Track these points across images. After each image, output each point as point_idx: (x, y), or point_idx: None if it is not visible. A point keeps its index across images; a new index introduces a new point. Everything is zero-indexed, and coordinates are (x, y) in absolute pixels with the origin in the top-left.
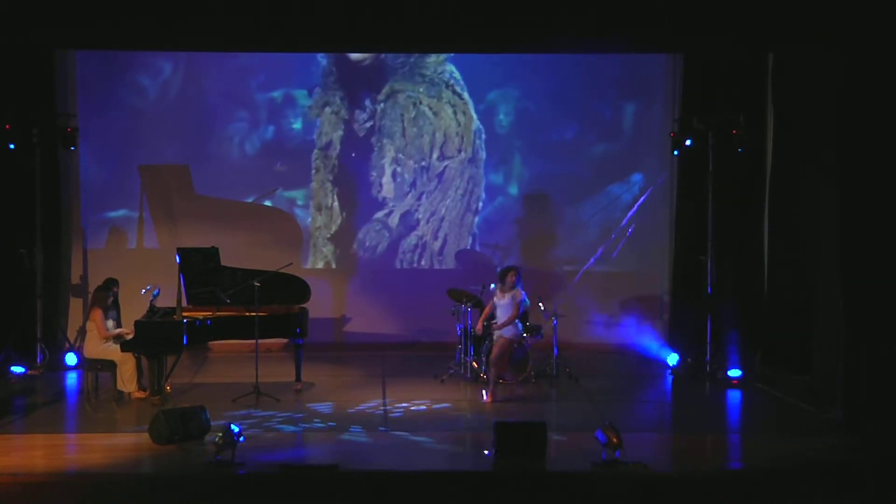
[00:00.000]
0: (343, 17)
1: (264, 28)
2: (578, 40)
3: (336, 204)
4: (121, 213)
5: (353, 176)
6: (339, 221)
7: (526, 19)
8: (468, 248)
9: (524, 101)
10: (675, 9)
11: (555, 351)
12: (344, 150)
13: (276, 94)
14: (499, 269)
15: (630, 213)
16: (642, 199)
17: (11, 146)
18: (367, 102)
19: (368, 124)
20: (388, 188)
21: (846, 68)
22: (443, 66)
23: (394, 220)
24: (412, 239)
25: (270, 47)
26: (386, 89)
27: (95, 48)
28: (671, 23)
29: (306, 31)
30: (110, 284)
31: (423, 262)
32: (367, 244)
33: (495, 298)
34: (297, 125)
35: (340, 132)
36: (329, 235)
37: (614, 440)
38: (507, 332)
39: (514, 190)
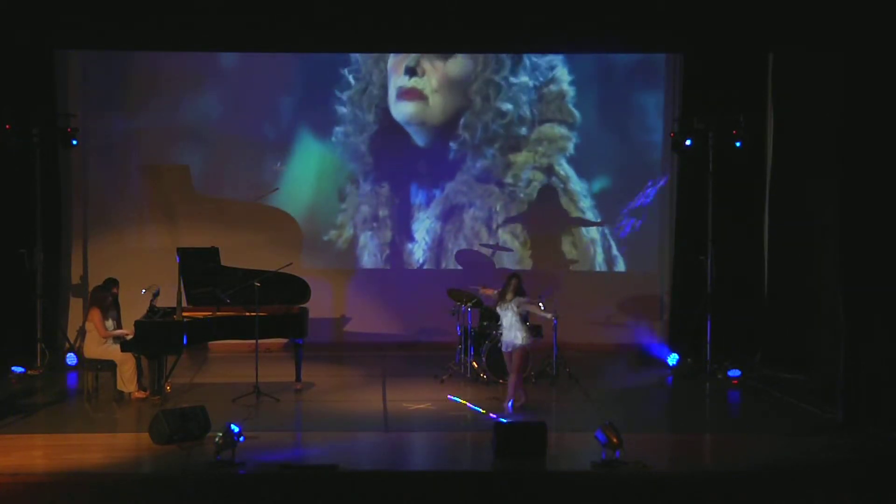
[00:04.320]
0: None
1: (264, 28)
2: (578, 40)
3: (336, 203)
4: (121, 213)
5: (353, 175)
6: (339, 221)
7: (526, 19)
8: (468, 248)
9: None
10: (675, 9)
11: (555, 351)
12: (344, 148)
13: (276, 92)
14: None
15: (630, 215)
16: (643, 199)
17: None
18: (368, 100)
19: (369, 120)
20: (388, 187)
21: (847, 68)
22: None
23: (395, 220)
24: (412, 238)
25: (270, 47)
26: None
27: (95, 48)
28: (671, 23)
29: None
30: (109, 284)
31: (423, 263)
32: (368, 244)
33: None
34: (298, 124)
35: (340, 131)
36: (329, 235)
37: (614, 440)
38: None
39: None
